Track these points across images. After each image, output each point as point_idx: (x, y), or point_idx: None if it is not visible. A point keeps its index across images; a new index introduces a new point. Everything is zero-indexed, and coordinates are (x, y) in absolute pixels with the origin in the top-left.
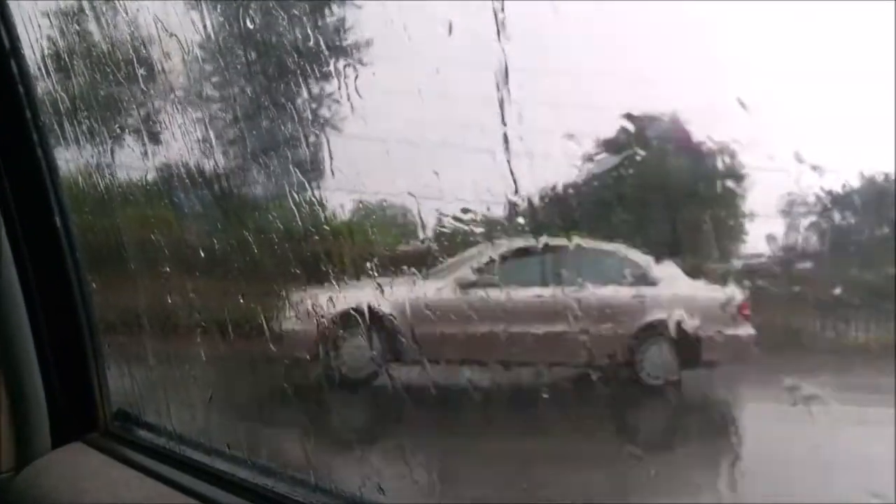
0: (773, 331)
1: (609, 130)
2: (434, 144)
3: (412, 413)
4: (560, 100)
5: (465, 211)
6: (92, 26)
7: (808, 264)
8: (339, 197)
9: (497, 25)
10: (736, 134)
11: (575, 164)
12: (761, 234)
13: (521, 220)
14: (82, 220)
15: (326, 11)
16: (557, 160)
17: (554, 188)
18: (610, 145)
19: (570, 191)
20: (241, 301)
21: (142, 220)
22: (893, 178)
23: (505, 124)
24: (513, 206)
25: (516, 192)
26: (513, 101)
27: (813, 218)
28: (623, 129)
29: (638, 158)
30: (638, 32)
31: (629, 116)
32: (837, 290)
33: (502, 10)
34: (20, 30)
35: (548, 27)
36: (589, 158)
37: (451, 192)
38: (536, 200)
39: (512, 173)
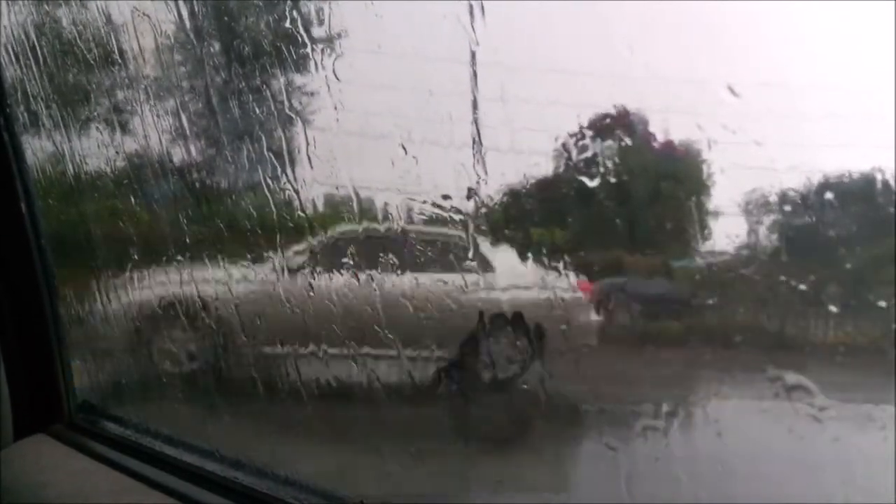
0: (736, 328)
1: (589, 124)
2: (412, 135)
3: None
4: (541, 95)
5: (445, 197)
6: (62, 10)
7: (774, 261)
8: (314, 187)
9: (471, 16)
10: (725, 121)
11: (552, 155)
12: (728, 231)
13: (490, 210)
14: (49, 207)
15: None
16: (533, 152)
17: (529, 179)
18: (590, 136)
19: (547, 183)
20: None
21: (111, 208)
22: (892, 177)
23: (477, 115)
24: (483, 197)
25: (481, 181)
26: (490, 96)
27: (778, 215)
28: (601, 120)
29: (624, 145)
30: (624, 28)
31: (609, 111)
32: (802, 287)
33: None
34: None
35: (530, 21)
36: (565, 150)
37: (430, 180)
38: (511, 192)
39: (485, 164)
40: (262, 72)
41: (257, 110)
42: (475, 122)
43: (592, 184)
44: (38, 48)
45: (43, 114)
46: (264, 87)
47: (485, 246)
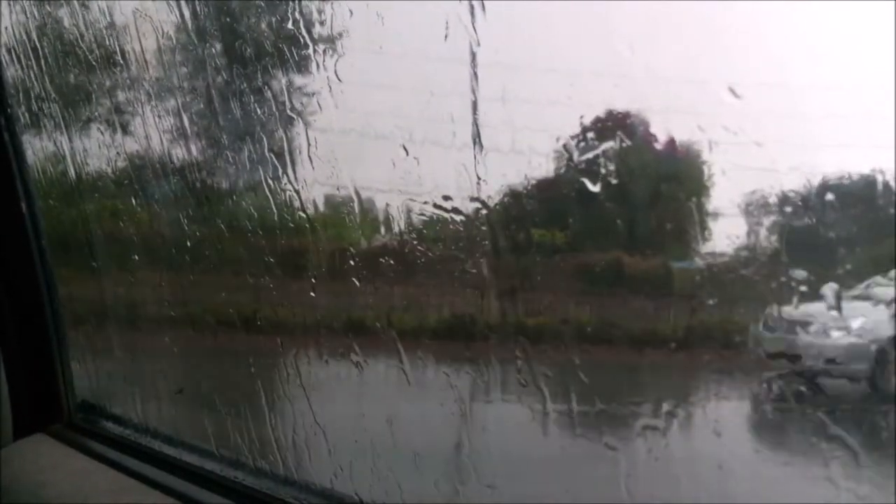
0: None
1: (590, 125)
2: (413, 136)
3: None
4: (542, 95)
5: (446, 198)
6: (63, 11)
7: (774, 262)
8: (315, 187)
9: (471, 16)
10: (726, 121)
11: (552, 157)
12: (728, 232)
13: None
14: (49, 207)
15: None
16: (533, 154)
17: (530, 181)
18: (591, 137)
19: (548, 184)
20: (213, 293)
21: (111, 208)
22: (893, 178)
23: (477, 115)
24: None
25: (479, 183)
26: (491, 96)
27: (778, 217)
28: (602, 121)
29: (624, 146)
30: (624, 28)
31: (610, 111)
32: (803, 289)
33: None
34: None
35: (531, 21)
36: (566, 151)
37: (431, 181)
38: (511, 194)
39: (483, 166)
40: (263, 72)
41: (258, 111)
42: (476, 122)
43: (592, 185)
44: (39, 48)
45: (44, 114)
46: (265, 87)
47: None
